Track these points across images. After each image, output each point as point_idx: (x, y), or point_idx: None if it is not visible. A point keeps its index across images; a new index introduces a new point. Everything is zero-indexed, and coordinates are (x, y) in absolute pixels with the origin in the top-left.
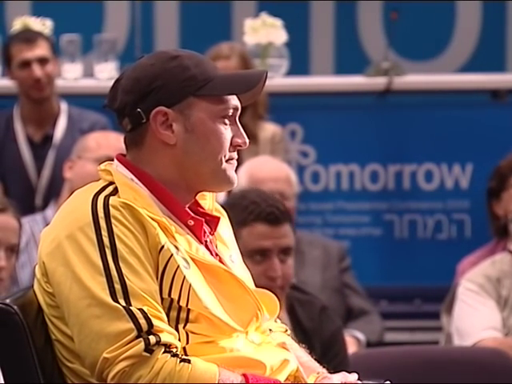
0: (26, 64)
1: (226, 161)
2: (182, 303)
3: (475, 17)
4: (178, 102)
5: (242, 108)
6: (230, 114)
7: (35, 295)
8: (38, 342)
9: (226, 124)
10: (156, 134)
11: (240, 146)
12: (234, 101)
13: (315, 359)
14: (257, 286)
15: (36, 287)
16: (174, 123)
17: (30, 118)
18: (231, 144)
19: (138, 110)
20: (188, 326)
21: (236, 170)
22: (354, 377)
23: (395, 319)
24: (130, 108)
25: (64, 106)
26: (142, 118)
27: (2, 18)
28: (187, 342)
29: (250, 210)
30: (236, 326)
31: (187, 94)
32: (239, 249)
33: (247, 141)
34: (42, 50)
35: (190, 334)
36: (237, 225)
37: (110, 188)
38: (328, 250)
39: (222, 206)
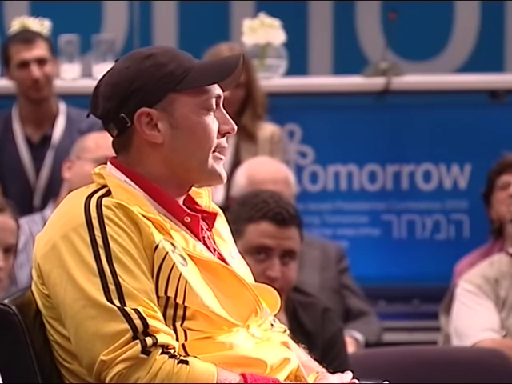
0: (25, 64)
1: (214, 151)
2: (179, 301)
3: (473, 17)
4: (159, 101)
5: (241, 108)
6: (213, 103)
7: (33, 296)
8: (37, 343)
9: (210, 114)
10: (142, 135)
11: (228, 132)
12: (215, 89)
13: (315, 359)
14: None
15: (33, 288)
16: (159, 122)
17: (28, 119)
18: (219, 132)
19: (122, 114)
20: (185, 323)
21: (235, 170)
22: (348, 376)
23: (393, 319)
24: (113, 114)
25: (62, 107)
26: (127, 122)
27: (1, 19)
28: (186, 339)
29: (258, 207)
30: (234, 321)
31: (167, 91)
32: (242, 245)
33: (235, 126)
34: (40, 50)
35: (187, 332)
36: (244, 221)
37: (104, 190)
38: (326, 251)
39: (221, 208)
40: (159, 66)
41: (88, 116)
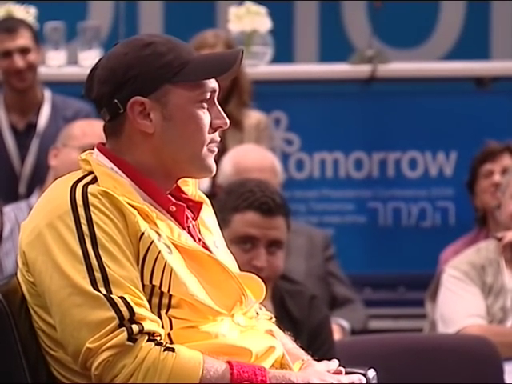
0: (8, 54)
1: (207, 144)
2: (164, 289)
3: (459, 4)
4: (154, 91)
5: (227, 96)
6: (208, 97)
7: (19, 283)
8: (22, 330)
9: (204, 108)
10: (134, 123)
11: (220, 127)
12: (211, 83)
13: (301, 347)
14: None
15: (19, 276)
16: (152, 112)
17: (13, 106)
18: (211, 126)
19: (115, 100)
20: (170, 311)
21: (221, 158)
22: (335, 364)
23: (379, 307)
24: (107, 99)
25: (47, 94)
26: (120, 108)
27: None
28: (171, 328)
29: (244, 197)
30: (219, 309)
31: (162, 82)
32: (228, 235)
33: (227, 121)
34: (23, 39)
35: (173, 320)
36: (230, 210)
37: (90, 177)
38: (312, 239)
39: (207, 195)
40: (158, 56)
41: (82, 97)
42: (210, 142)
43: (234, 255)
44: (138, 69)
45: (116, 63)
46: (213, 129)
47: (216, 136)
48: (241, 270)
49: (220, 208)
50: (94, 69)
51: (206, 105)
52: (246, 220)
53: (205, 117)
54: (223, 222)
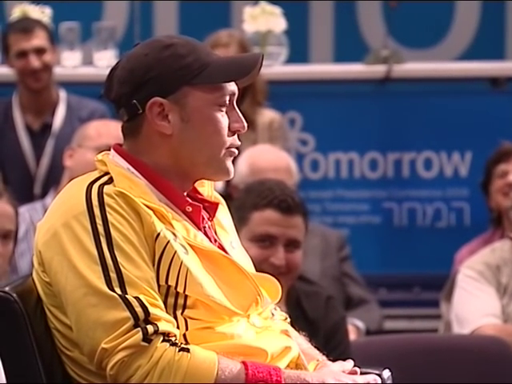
0: (23, 54)
1: (227, 148)
2: (180, 289)
3: (474, 4)
4: (172, 92)
5: (241, 95)
6: (227, 100)
7: (34, 283)
8: (37, 330)
9: (222, 111)
10: (152, 124)
11: (239, 130)
12: (230, 86)
13: (316, 347)
14: (259, 271)
15: (34, 276)
16: (170, 113)
17: (28, 107)
18: (230, 129)
19: (134, 101)
20: (186, 312)
21: (235, 158)
22: (350, 364)
23: (394, 307)
24: (126, 99)
25: (63, 95)
26: (138, 109)
27: (2, 6)
28: (186, 329)
29: (264, 195)
30: (235, 310)
31: (182, 84)
32: (246, 233)
33: (246, 125)
34: (39, 40)
35: (188, 320)
36: (249, 208)
37: (106, 177)
38: (327, 239)
39: (222, 196)
40: (177, 58)
41: (101, 97)
42: (230, 147)
43: (251, 253)
44: (157, 70)
45: (136, 64)
46: (231, 132)
47: (236, 140)
48: (258, 267)
49: (239, 206)
50: (113, 69)
51: (224, 108)
52: (265, 218)
53: (223, 119)
54: (242, 220)
